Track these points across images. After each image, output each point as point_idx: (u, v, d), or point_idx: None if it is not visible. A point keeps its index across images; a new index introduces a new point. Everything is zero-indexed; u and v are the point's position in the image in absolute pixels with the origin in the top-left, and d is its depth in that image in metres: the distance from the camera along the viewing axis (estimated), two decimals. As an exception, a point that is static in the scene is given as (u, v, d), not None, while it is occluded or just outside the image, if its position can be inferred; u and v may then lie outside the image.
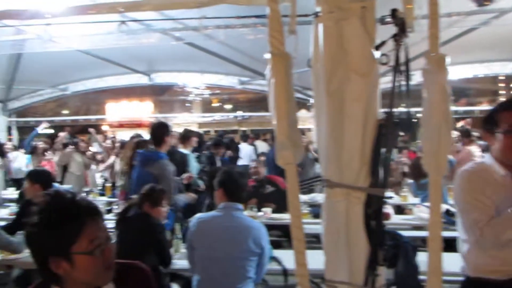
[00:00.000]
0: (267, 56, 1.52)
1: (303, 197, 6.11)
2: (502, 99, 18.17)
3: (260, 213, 5.07)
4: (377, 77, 1.57)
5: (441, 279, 1.46)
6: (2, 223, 4.75)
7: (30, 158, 8.81)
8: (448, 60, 1.49)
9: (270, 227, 5.24)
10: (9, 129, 10.88)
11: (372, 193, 1.60)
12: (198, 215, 3.28)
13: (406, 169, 6.90)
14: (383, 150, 1.60)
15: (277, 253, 3.55)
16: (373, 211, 1.61)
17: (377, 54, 1.55)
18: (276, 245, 4.08)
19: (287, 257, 3.43)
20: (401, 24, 1.50)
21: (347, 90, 1.55)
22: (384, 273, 1.68)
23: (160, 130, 4.33)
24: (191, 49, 6.90)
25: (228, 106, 20.51)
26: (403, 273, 2.97)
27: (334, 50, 1.55)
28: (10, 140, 9.86)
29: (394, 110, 1.58)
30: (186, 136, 6.11)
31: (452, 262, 2.30)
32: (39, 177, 4.14)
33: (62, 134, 8.97)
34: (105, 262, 1.41)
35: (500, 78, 19.80)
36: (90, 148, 8.91)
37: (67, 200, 1.40)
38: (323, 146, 1.68)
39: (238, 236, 2.91)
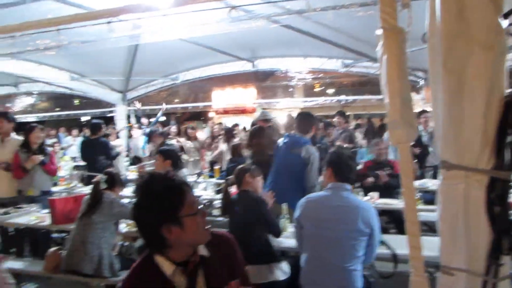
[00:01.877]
0: (379, 32, 1.47)
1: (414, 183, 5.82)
2: None
3: (366, 197, 4.96)
4: (504, 50, 1.43)
5: None
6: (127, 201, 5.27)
7: (146, 140, 9.62)
8: None
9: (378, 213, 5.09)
10: (128, 117, 11.94)
11: (496, 176, 1.48)
12: (308, 195, 3.31)
13: None
14: (509, 130, 1.47)
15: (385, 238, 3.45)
16: (497, 195, 1.49)
17: (504, 23, 1.41)
18: (382, 230, 3.96)
19: (395, 243, 3.32)
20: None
21: (468, 65, 1.44)
22: (509, 264, 1.56)
23: (308, 119, 4.78)
24: (294, 33, 6.84)
25: (330, 90, 20.18)
26: (530, 265, 2.70)
27: (454, 22, 1.44)
28: (131, 127, 10.84)
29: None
30: None
31: None
32: (171, 154, 4.50)
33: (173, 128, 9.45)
34: (204, 221, 1.71)
35: None
36: (198, 134, 9.40)
37: (165, 177, 1.70)
38: (440, 126, 1.59)
39: (347, 215, 2.88)
